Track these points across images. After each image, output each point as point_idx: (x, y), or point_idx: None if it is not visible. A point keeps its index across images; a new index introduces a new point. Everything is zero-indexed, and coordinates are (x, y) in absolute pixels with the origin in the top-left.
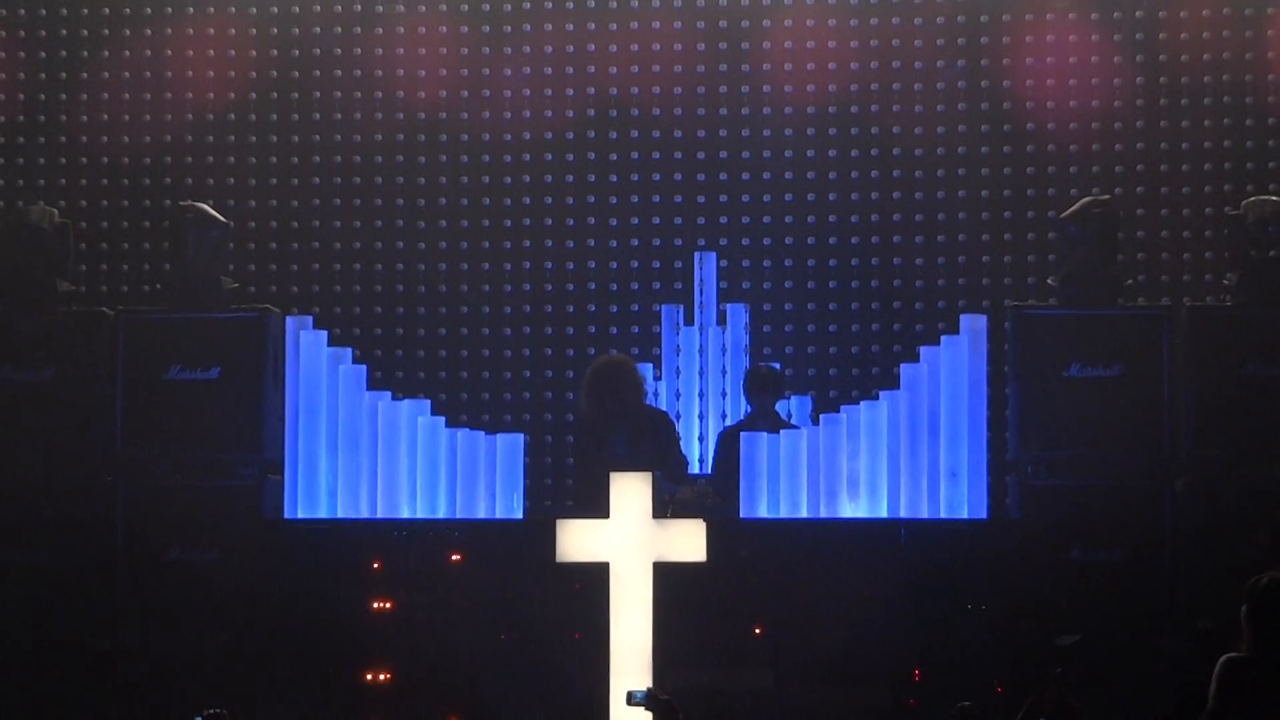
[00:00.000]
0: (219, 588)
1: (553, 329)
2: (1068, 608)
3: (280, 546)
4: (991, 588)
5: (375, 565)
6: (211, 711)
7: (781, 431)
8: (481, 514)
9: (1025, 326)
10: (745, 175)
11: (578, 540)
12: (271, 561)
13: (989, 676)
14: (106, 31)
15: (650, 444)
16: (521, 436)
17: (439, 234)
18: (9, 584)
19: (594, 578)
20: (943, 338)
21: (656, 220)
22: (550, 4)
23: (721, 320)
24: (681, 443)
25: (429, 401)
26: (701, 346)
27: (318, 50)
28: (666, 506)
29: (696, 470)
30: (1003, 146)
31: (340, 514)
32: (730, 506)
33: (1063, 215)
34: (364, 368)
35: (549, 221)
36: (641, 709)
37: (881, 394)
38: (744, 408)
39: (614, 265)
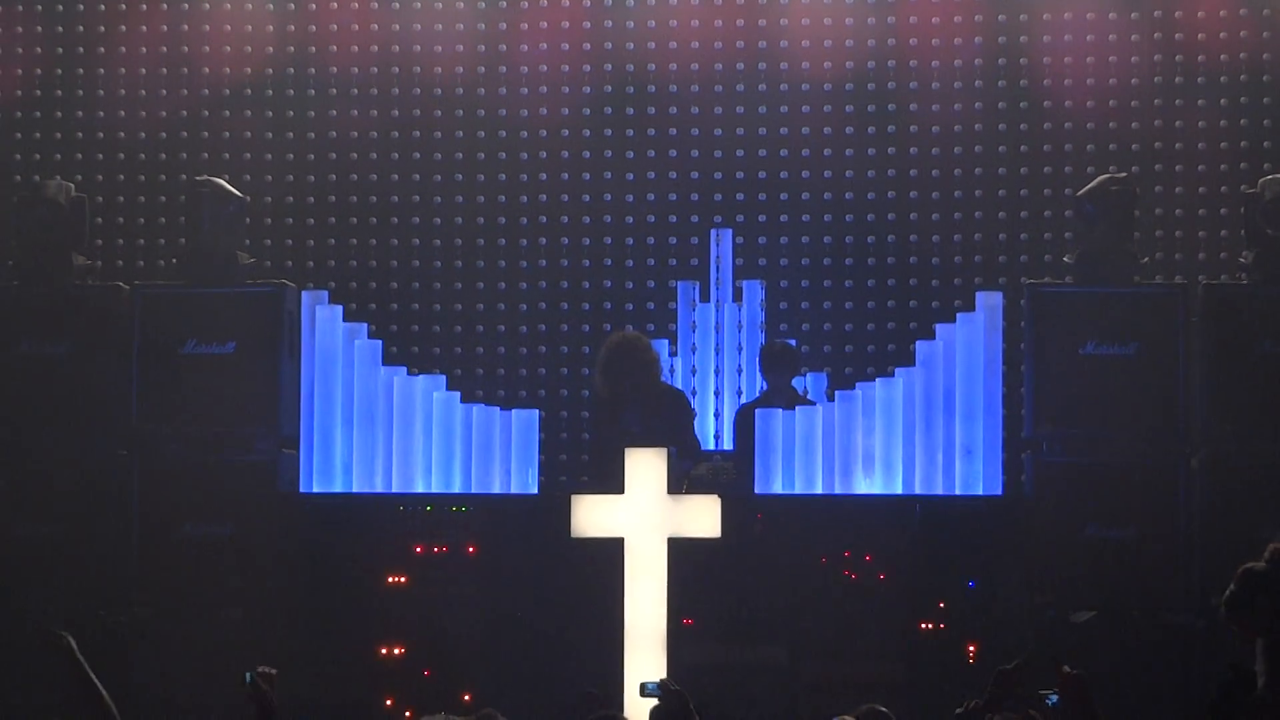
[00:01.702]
0: (233, 562)
1: (568, 305)
2: (1082, 584)
3: (295, 521)
4: (1006, 564)
5: (390, 540)
6: (263, 670)
7: (797, 408)
8: (496, 489)
9: (1041, 304)
10: (762, 152)
11: (593, 516)
12: (286, 536)
13: (1004, 651)
14: (123, 6)
15: (664, 422)
16: (536, 412)
17: (455, 209)
18: (24, 557)
19: (609, 553)
20: (958, 315)
21: (673, 196)
22: None
23: (738, 297)
24: (696, 420)
25: (444, 377)
26: (717, 323)
27: (334, 26)
28: (682, 483)
29: (712, 446)
30: (1019, 124)
31: (355, 489)
32: (746, 483)
33: (1079, 193)
34: (380, 343)
35: (565, 197)
36: (655, 700)
37: (897, 371)
38: (760, 384)
39: (630, 241)
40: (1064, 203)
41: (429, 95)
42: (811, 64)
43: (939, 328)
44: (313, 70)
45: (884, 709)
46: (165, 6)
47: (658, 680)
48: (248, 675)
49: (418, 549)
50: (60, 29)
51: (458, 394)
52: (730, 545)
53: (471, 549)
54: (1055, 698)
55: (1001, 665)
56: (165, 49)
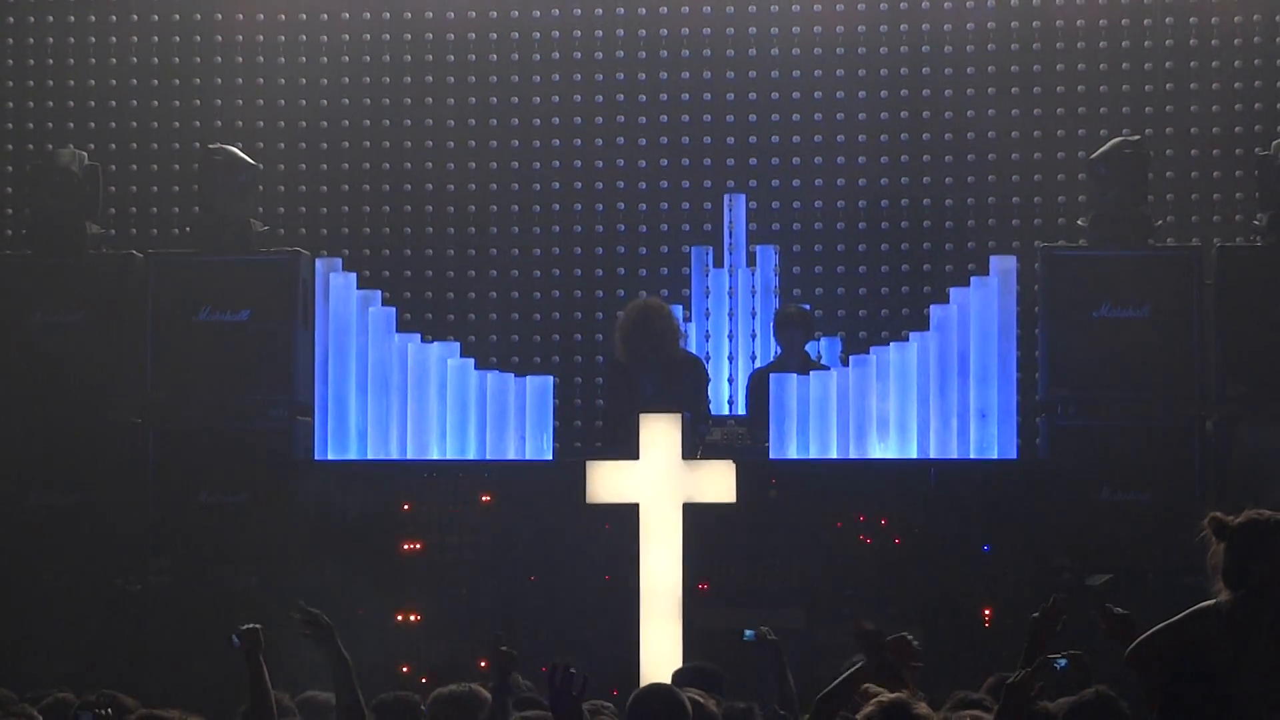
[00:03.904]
0: (248, 530)
1: (582, 271)
2: (1098, 547)
3: (310, 489)
4: (1021, 528)
5: (405, 507)
6: (248, 627)
7: (811, 373)
8: (511, 455)
9: (1055, 267)
10: (775, 116)
11: (608, 481)
12: (301, 504)
13: (1019, 615)
14: None
15: (679, 388)
16: (551, 378)
17: (468, 175)
18: (41, 526)
19: (624, 518)
20: (972, 279)
21: (686, 162)
22: None
23: (751, 262)
24: (711, 385)
25: (459, 344)
26: (731, 288)
27: None
28: (697, 448)
29: (726, 411)
30: (1033, 86)
31: (370, 456)
32: (760, 447)
33: (1093, 156)
34: (393, 310)
35: (578, 164)
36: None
37: (911, 335)
38: (774, 349)
39: (643, 207)
40: (1077, 165)
41: (441, 61)
42: (824, 27)
43: (953, 291)
44: (324, 37)
45: (909, 635)
46: None
47: (754, 630)
48: (234, 638)
49: (433, 515)
50: None
51: (472, 360)
52: (745, 510)
53: (486, 515)
54: (1064, 661)
55: (1033, 614)
56: (177, 16)
